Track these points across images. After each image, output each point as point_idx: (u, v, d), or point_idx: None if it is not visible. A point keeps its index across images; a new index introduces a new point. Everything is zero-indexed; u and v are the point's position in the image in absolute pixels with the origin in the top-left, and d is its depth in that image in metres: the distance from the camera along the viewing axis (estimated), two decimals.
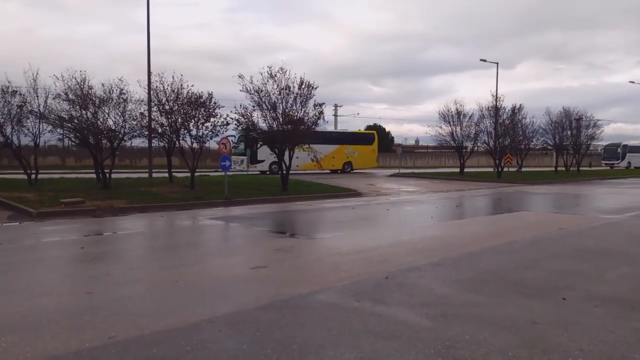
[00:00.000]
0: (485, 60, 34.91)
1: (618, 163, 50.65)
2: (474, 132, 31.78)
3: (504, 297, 5.28)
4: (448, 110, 31.47)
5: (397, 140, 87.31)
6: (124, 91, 16.59)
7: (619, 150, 50.43)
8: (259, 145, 24.69)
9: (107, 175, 16.38)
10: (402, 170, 36.75)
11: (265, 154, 22.66)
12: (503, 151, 30.55)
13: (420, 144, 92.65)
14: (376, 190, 20.55)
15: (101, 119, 16.42)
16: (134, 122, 18.01)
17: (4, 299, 5.13)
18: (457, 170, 33.51)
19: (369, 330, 4.17)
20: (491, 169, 34.29)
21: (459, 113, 31.32)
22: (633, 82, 54.00)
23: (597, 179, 32.34)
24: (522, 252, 7.88)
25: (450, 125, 31.56)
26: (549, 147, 41.42)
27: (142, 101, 18.58)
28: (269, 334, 4.06)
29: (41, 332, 4.09)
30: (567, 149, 38.35)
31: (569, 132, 37.31)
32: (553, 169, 39.99)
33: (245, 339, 3.97)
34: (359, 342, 3.93)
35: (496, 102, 31.29)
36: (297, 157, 22.23)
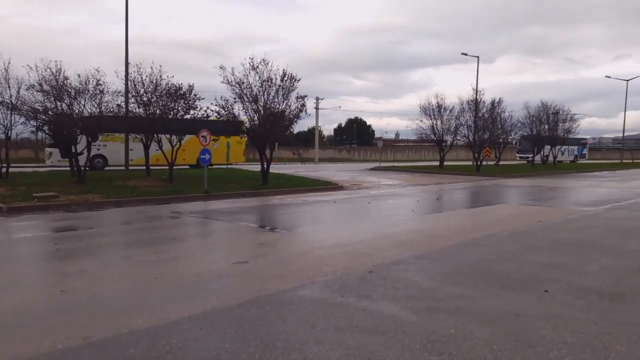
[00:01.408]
0: (466, 54, 35.21)
1: (533, 156, 44.06)
2: (454, 125, 32.06)
3: (487, 289, 5.28)
4: (429, 104, 31.69)
5: (377, 134, 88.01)
6: (100, 82, 16.14)
7: None
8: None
9: (83, 168, 15.94)
10: (383, 164, 36.86)
11: (82, 145, 17.04)
12: (482, 145, 30.87)
13: (400, 138, 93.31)
14: (357, 184, 20.54)
15: (77, 111, 15.95)
16: (111, 114, 17.59)
17: None
18: (437, 163, 33.76)
19: (354, 326, 4.10)
20: (470, 163, 34.68)
21: (439, 107, 31.56)
22: (609, 77, 55.34)
23: (572, 172, 33.03)
24: (503, 244, 7.93)
25: (430, 119, 31.78)
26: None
27: (119, 92, 18.12)
28: (251, 332, 3.96)
29: (10, 334, 3.89)
30: (544, 143, 38.95)
31: (546, 126, 37.98)
32: (530, 162, 40.63)
33: (227, 337, 3.86)
34: (344, 338, 3.85)
35: (476, 96, 31.61)
36: (132, 150, 20.05)
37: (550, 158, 39.65)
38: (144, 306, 4.61)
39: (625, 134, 60.51)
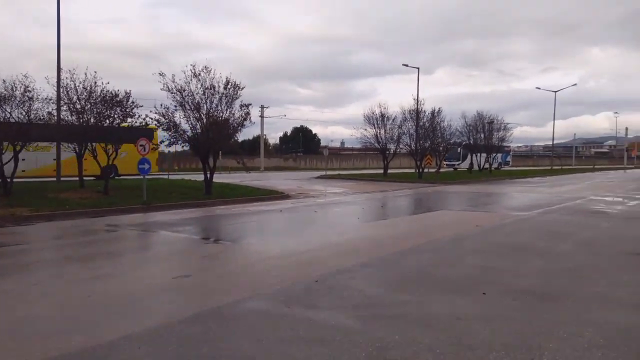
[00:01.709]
0: (407, 65, 36.16)
1: (459, 164, 46.17)
2: (396, 134, 32.97)
3: (429, 294, 5.40)
4: (373, 113, 32.42)
5: (323, 142, 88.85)
6: (29, 88, 15.17)
7: (459, 150, 45.22)
8: None
9: (9, 180, 14.85)
10: (329, 172, 37.18)
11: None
12: (423, 153, 31.92)
13: (345, 146, 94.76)
14: (303, 193, 20.56)
15: (2, 119, 14.88)
16: (41, 123, 16.56)
17: None
18: (381, 171, 34.50)
19: (300, 337, 4.05)
20: (413, 170, 35.72)
21: (382, 116, 32.36)
22: (539, 88, 59.12)
23: (507, 179, 34.83)
24: (444, 249, 8.18)
25: (374, 128, 32.51)
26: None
27: (50, 99, 17.12)
28: (194, 349, 3.81)
29: None
30: (480, 150, 40.94)
31: (482, 135, 39.93)
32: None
33: (168, 355, 3.69)
34: (291, 350, 3.79)
35: (417, 106, 32.69)
36: (24, 160, 17.96)
37: (483, 165, 41.49)
38: (77, 327, 4.32)
39: (555, 141, 64.83)
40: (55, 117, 17.42)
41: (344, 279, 6.03)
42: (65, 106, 16.82)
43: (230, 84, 17.08)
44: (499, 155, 51.05)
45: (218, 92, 17.01)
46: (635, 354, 3.77)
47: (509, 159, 57.08)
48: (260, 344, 3.90)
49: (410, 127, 32.85)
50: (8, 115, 15.02)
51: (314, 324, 4.39)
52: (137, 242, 9.64)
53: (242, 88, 17.38)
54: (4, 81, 14.90)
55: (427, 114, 33.06)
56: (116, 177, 23.45)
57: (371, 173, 38.24)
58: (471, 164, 41.60)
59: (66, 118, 17.03)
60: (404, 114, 32.93)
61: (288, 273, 6.35)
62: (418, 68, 35.72)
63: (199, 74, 16.64)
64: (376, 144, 33.11)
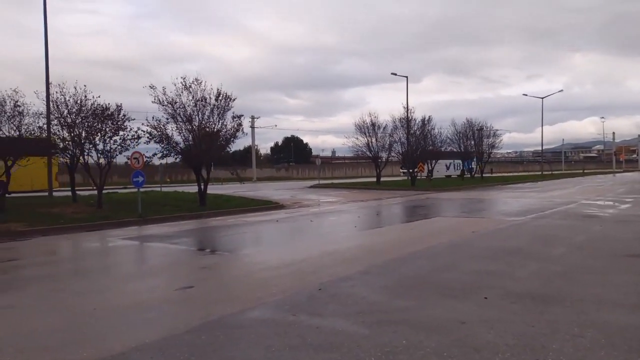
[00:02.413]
0: (395, 74, 36.53)
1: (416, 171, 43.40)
2: (388, 142, 33.23)
3: (431, 300, 5.48)
4: (363, 122, 32.70)
5: (314, 152, 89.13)
6: (19, 103, 15.13)
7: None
8: None
9: (1, 195, 14.74)
10: (322, 182, 37.29)
11: None
12: (416, 160, 32.16)
13: (337, 155, 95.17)
14: (298, 202, 20.61)
15: None
16: (32, 137, 16.47)
17: None
18: (374, 179, 34.68)
19: (308, 344, 4.10)
20: (405, 178, 35.90)
21: (373, 125, 32.67)
22: (526, 95, 60.02)
23: (498, 185, 35.17)
24: (441, 255, 8.27)
25: (366, 137, 32.77)
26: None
27: (40, 114, 17.06)
28: (204, 357, 3.84)
29: None
30: (472, 157, 41.31)
31: (472, 142, 40.37)
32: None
33: None
34: (300, 356, 3.84)
35: (407, 114, 33.00)
36: None
37: (452, 173, 41.09)
38: (86, 339, 4.33)
39: (544, 147, 65.44)
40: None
41: (345, 286, 6.09)
42: (55, 120, 16.76)
43: (221, 95, 17.21)
44: (458, 162, 46.49)
45: (209, 104, 17.12)
46: (637, 352, 3.87)
47: (473, 165, 51.21)
48: (270, 352, 3.94)
49: (401, 135, 33.16)
50: None
51: (321, 331, 4.45)
52: (136, 254, 9.62)
53: (234, 99, 17.54)
54: None
55: (417, 122, 33.43)
56: (4, 195, 17.85)
57: (364, 181, 38.40)
58: (430, 171, 41.06)
59: (57, 132, 16.96)
60: (395, 122, 33.27)
61: (289, 282, 6.40)
62: (407, 77, 36.17)
63: (190, 86, 16.75)
64: (368, 153, 33.36)
